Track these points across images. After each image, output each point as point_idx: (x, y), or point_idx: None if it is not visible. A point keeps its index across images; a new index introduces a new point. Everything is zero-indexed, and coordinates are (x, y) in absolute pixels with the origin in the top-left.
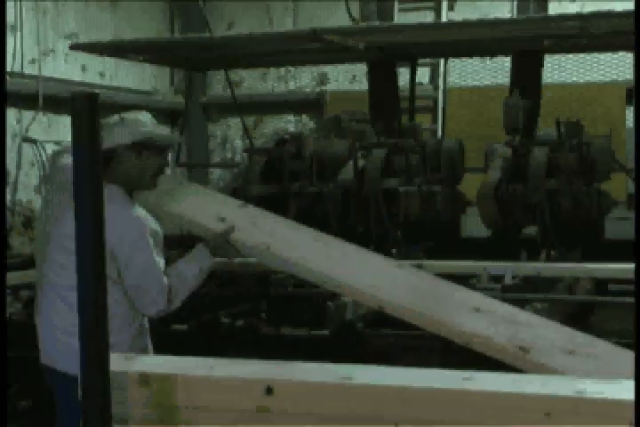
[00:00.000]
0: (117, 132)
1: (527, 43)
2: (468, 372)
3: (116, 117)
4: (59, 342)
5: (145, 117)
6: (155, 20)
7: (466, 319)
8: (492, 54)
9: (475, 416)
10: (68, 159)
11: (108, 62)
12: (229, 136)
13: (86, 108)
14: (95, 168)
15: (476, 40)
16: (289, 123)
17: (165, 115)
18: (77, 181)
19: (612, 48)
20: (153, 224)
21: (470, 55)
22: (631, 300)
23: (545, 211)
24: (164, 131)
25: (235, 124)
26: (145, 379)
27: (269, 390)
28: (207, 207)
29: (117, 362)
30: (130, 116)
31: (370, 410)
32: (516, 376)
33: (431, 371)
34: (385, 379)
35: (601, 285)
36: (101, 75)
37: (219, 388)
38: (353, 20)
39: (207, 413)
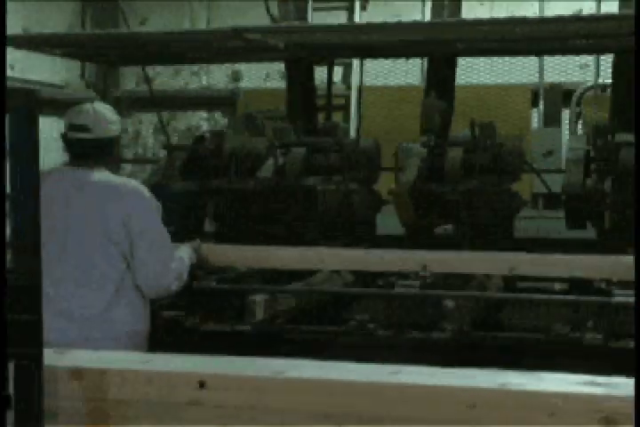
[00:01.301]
0: (111, 120)
1: (442, 45)
2: (394, 366)
3: (88, 106)
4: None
5: None
6: (65, 13)
7: None
8: (409, 56)
9: (401, 409)
10: None
11: (18, 55)
12: (141, 132)
13: (24, 104)
14: (34, 166)
15: (394, 42)
16: (201, 120)
17: None
18: (16, 179)
19: (525, 52)
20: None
21: (387, 56)
22: (541, 297)
23: (461, 210)
24: None
25: (146, 119)
26: (77, 373)
27: (202, 384)
28: None
29: (49, 356)
30: (103, 105)
31: (301, 403)
32: (442, 370)
33: (359, 365)
34: (316, 373)
35: (509, 282)
36: (11, 67)
37: (151, 382)
38: (273, 19)
39: (140, 407)
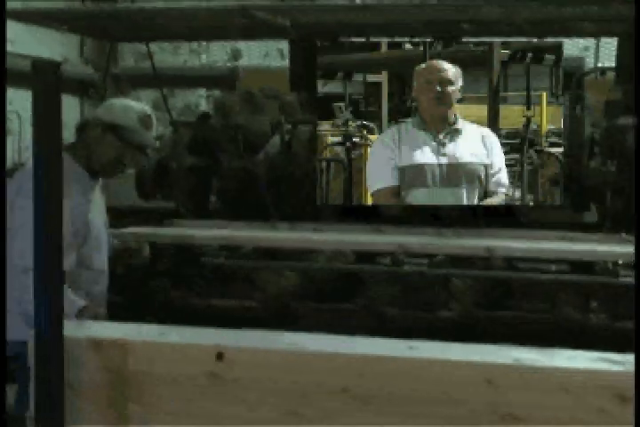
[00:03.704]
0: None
1: (447, 26)
2: (411, 341)
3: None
4: None
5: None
6: None
7: None
8: (412, 36)
9: (419, 383)
10: None
11: (19, 30)
12: None
13: (48, 78)
14: (56, 139)
15: (399, 22)
16: (200, 97)
17: (75, 85)
18: (38, 153)
19: (528, 35)
20: None
21: (391, 36)
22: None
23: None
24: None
25: (145, 96)
26: (96, 344)
27: (220, 356)
28: None
29: (69, 327)
30: (123, 101)
31: (317, 376)
32: (457, 345)
33: (377, 340)
34: (334, 347)
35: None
36: (12, 42)
37: (170, 353)
38: None
39: (157, 378)
